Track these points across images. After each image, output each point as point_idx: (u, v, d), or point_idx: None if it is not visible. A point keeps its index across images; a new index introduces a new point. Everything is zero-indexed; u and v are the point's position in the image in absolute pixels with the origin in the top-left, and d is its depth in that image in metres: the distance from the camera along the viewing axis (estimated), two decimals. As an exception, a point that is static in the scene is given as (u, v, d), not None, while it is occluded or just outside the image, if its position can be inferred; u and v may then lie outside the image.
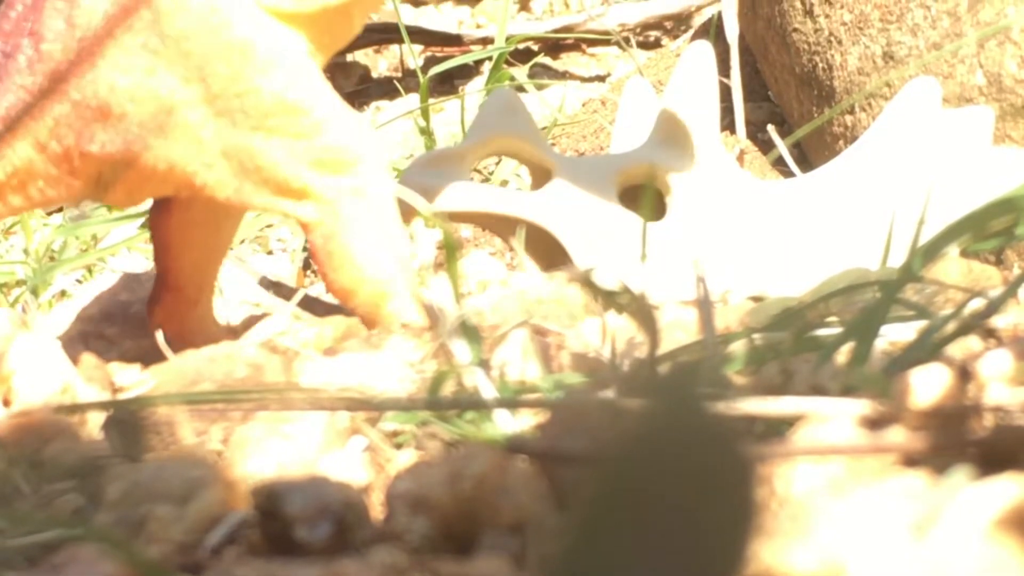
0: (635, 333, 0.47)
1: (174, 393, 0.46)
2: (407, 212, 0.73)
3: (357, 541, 0.34)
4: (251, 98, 0.53)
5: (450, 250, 0.48)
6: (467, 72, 1.49)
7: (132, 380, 0.50)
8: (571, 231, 0.77)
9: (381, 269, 0.55)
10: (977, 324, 0.43)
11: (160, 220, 0.60)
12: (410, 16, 1.65)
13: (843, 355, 0.41)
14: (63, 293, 1.08)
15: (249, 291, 0.86)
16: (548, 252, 0.83)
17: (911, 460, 0.33)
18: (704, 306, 0.43)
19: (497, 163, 1.25)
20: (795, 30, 1.12)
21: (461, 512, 0.35)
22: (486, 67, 1.45)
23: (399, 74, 1.55)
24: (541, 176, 0.81)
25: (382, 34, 1.53)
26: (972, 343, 0.44)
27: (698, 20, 1.48)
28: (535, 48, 1.52)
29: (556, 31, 1.49)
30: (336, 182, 0.54)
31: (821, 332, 0.44)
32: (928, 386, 0.34)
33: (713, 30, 1.27)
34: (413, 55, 1.44)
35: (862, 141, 0.80)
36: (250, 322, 0.62)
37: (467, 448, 0.37)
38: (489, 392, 0.43)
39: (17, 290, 1.10)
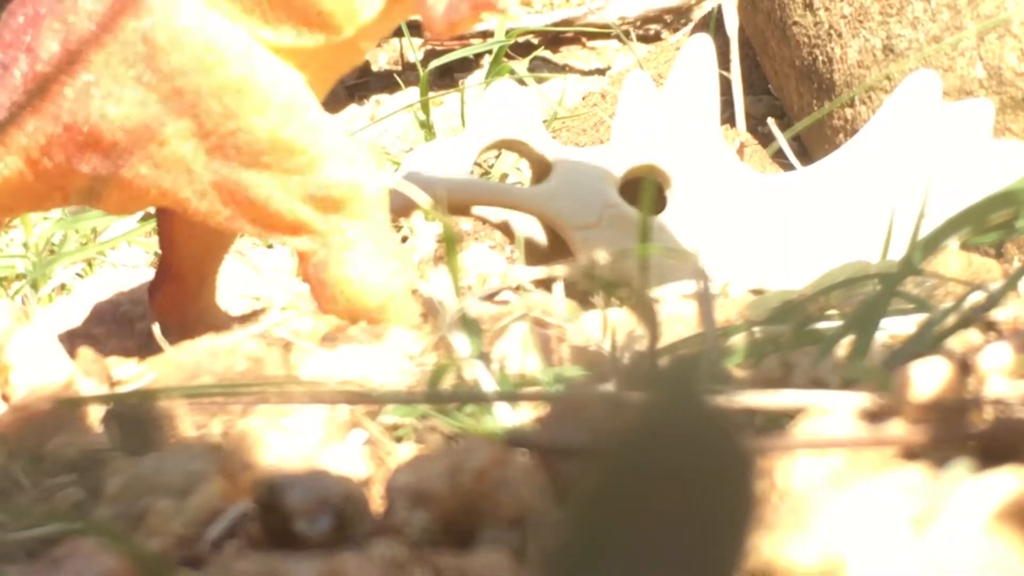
0: (635, 326, 0.47)
1: (174, 386, 0.46)
2: (407, 206, 0.73)
3: (357, 534, 0.34)
4: (244, 136, 0.52)
5: (450, 243, 0.48)
6: (467, 65, 1.49)
7: (131, 374, 0.50)
8: (571, 224, 0.77)
9: (377, 297, 0.55)
10: (977, 317, 0.43)
11: (166, 209, 0.60)
12: (410, 9, 1.65)
13: (843, 348, 0.41)
14: (63, 287, 1.08)
15: (249, 284, 0.86)
16: (548, 246, 0.83)
17: (911, 453, 0.33)
18: (704, 299, 0.43)
19: (497, 156, 1.25)
20: (795, 23, 1.12)
21: (461, 505, 0.35)
22: (486, 60, 1.45)
23: (399, 67, 1.55)
24: (541, 169, 0.81)
25: (382, 28, 1.52)
26: (972, 336, 0.44)
27: (698, 13, 1.48)
28: (535, 41, 1.51)
29: (556, 24, 1.49)
30: (331, 216, 0.54)
31: (821, 325, 0.44)
32: (928, 379, 0.34)
33: (713, 23, 1.27)
34: (413, 48, 1.43)
35: (862, 134, 0.80)
36: (249, 315, 0.62)
37: (467, 441, 0.37)
38: (489, 385, 0.43)
39: (17, 284, 1.10)
